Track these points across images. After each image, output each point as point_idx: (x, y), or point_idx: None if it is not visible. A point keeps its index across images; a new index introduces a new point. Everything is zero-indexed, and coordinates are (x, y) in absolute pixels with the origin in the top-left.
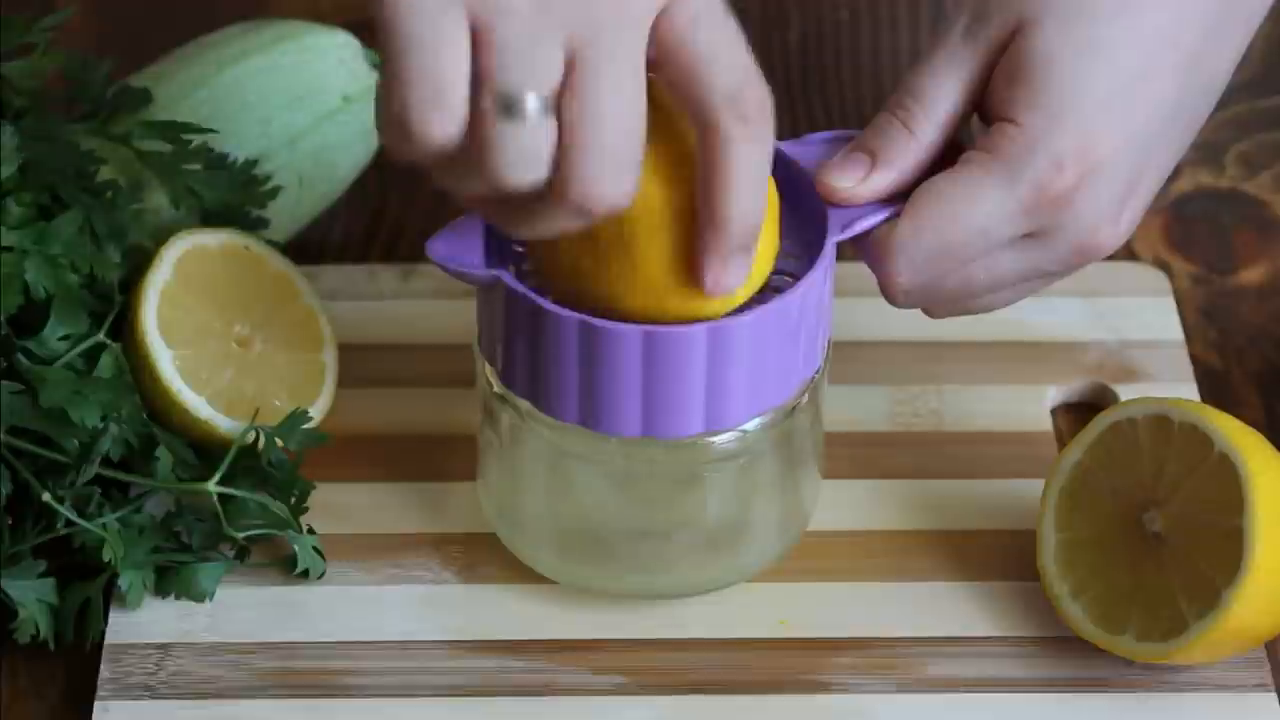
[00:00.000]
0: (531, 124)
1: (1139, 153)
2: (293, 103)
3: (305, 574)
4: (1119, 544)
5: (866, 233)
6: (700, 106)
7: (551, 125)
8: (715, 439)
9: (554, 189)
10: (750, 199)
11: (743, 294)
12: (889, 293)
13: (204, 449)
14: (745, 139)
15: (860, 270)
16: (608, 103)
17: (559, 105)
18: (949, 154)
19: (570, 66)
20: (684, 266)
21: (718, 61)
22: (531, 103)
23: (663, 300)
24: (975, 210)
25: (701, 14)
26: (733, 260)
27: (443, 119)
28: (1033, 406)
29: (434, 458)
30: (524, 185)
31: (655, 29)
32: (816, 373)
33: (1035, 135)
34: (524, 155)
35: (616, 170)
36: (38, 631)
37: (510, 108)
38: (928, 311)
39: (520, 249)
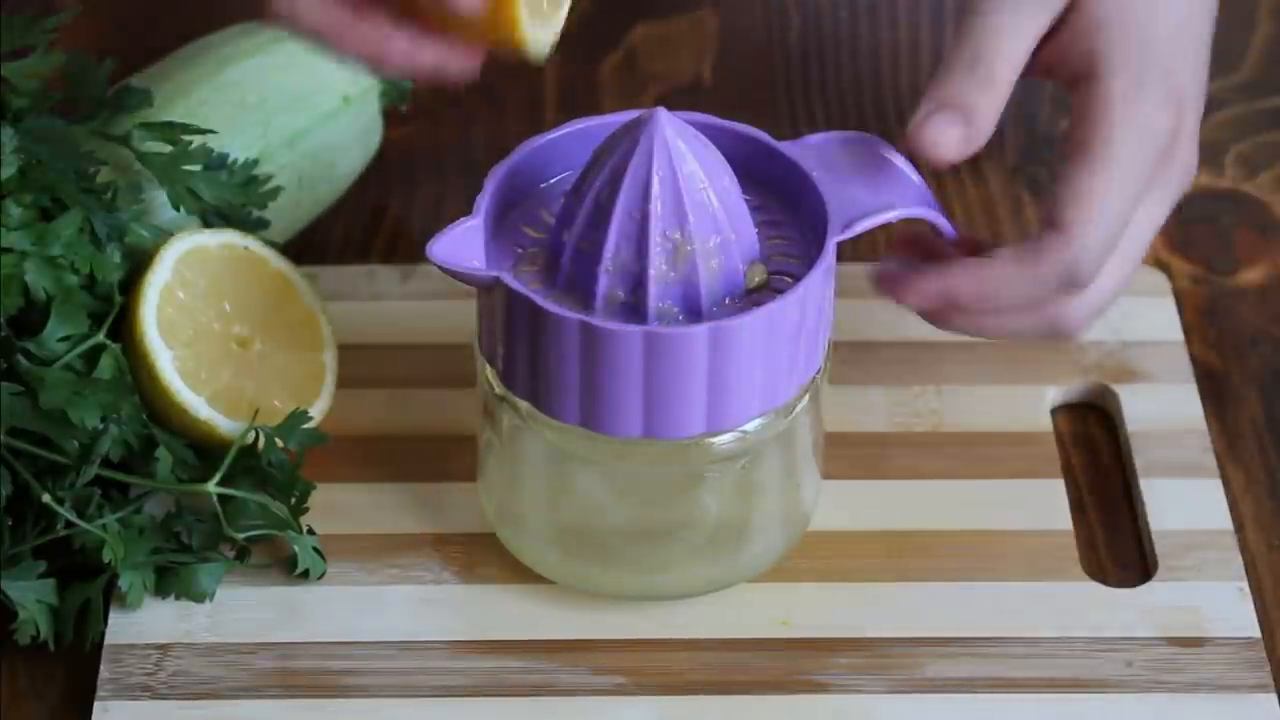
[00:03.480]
0: None
1: (1199, 84)
2: (293, 103)
3: (305, 574)
4: None
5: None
6: None
7: None
8: (716, 440)
9: None
10: None
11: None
12: (1072, 311)
13: (204, 449)
14: None
15: (860, 270)
16: None
17: None
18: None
19: None
20: None
21: None
22: None
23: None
24: (1125, 180)
25: None
26: None
27: None
28: (1033, 407)
29: (434, 458)
30: None
31: None
32: (817, 373)
33: (1136, 86)
34: None
35: None
36: (38, 632)
37: None
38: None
39: (520, 250)
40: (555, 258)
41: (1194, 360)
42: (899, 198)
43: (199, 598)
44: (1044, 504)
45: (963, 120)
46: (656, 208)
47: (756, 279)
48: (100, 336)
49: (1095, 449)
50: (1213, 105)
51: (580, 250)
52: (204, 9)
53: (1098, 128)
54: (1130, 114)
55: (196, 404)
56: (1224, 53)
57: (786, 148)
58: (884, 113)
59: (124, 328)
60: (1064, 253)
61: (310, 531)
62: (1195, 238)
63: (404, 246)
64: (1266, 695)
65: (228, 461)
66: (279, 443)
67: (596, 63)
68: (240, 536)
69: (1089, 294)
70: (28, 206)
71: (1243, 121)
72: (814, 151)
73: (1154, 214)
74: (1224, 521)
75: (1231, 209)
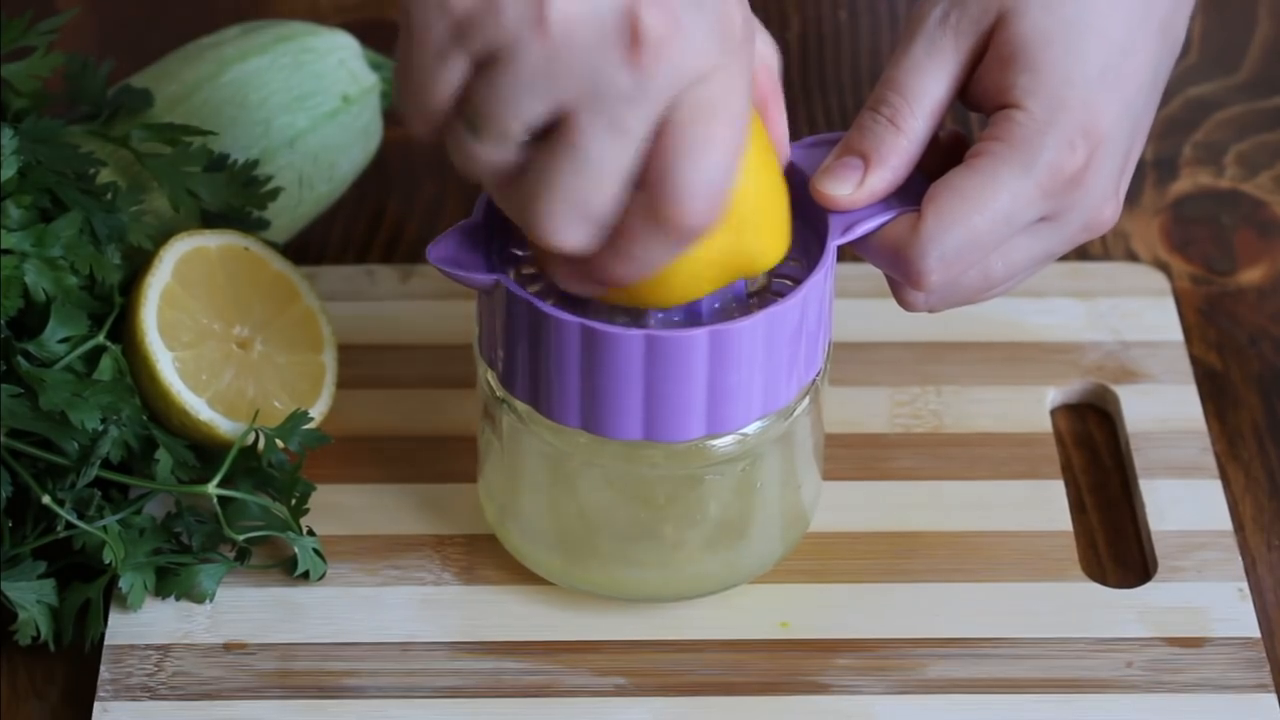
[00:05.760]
0: (495, 147)
1: (1132, 122)
2: (293, 103)
3: (306, 575)
4: None
5: (869, 235)
6: (657, 189)
7: (519, 154)
8: (716, 442)
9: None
10: (627, 276)
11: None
12: (911, 296)
13: (204, 451)
14: (667, 236)
15: (859, 271)
16: (588, 164)
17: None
18: (932, 147)
19: (567, 115)
20: None
21: (703, 165)
22: (490, 132)
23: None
24: (998, 200)
25: (726, 102)
26: (585, 286)
27: (421, 124)
28: (1032, 407)
29: (434, 459)
30: (474, 180)
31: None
32: (817, 375)
33: (1044, 119)
34: (477, 167)
35: (574, 223)
36: (38, 632)
37: (474, 128)
38: (931, 307)
39: (520, 253)
40: None
41: (1194, 360)
42: (900, 199)
43: (199, 598)
44: (1044, 504)
45: (862, 168)
46: None
47: (757, 282)
48: (100, 338)
49: (1095, 449)
50: (1213, 105)
51: None
52: (204, 9)
53: (993, 146)
54: (1030, 143)
55: (197, 405)
56: (1224, 53)
57: None
58: None
59: (124, 329)
60: (909, 239)
61: (310, 532)
62: (1195, 238)
63: (404, 246)
64: (1266, 695)
65: (228, 462)
66: (279, 444)
67: None
68: (240, 537)
69: (932, 291)
70: (28, 208)
71: (1243, 121)
72: (814, 152)
73: (1038, 245)
74: (1224, 521)
75: (1231, 209)
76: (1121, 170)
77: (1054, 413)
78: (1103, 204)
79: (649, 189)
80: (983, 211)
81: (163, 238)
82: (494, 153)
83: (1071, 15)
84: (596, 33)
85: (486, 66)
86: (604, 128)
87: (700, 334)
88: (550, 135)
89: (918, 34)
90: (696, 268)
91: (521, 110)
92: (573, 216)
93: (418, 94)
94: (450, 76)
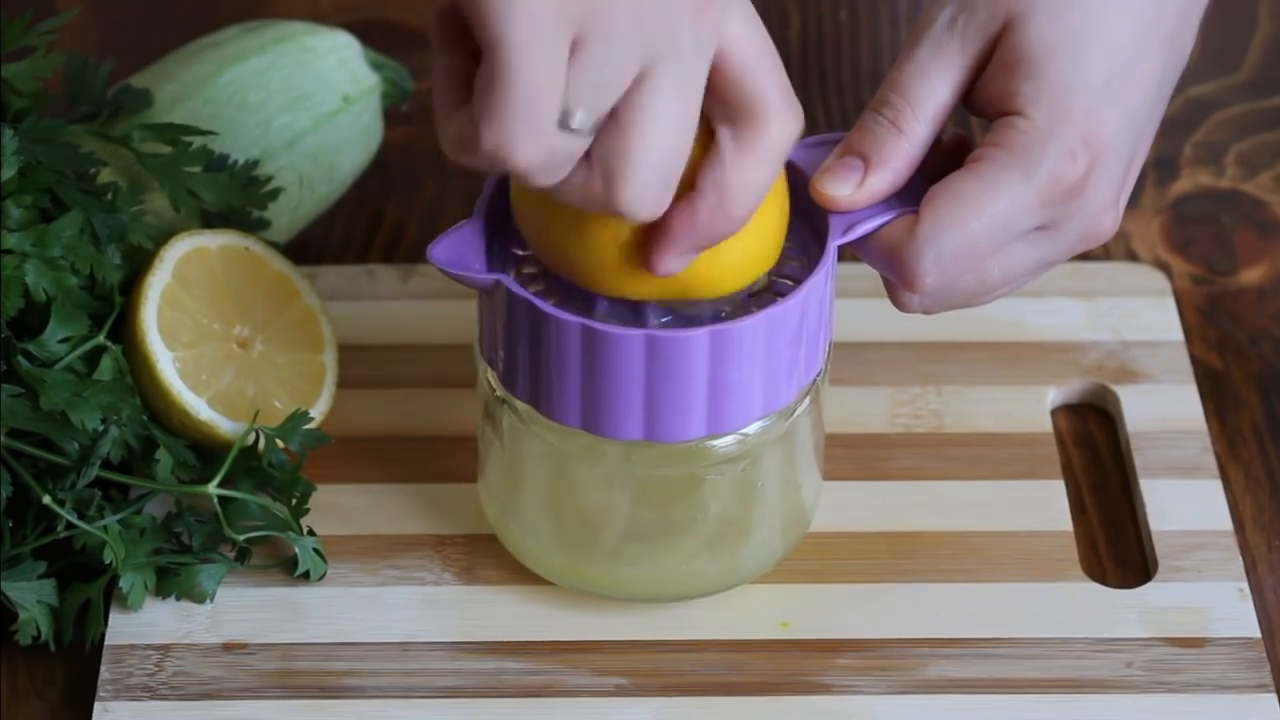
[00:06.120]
0: (573, 138)
1: (1135, 133)
2: (293, 103)
3: (306, 575)
4: None
5: (868, 236)
6: (748, 110)
7: (589, 139)
8: (717, 442)
9: (590, 186)
10: (747, 211)
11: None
12: (905, 297)
13: (205, 451)
14: (773, 149)
15: (859, 271)
16: (664, 122)
17: (615, 114)
18: (934, 150)
19: (638, 81)
20: (641, 242)
21: (772, 74)
22: (579, 119)
23: (624, 281)
24: (996, 206)
25: (753, 20)
26: (689, 256)
27: (535, 140)
28: (1033, 407)
29: (434, 458)
30: (542, 185)
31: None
32: (818, 375)
33: (1046, 127)
34: (553, 161)
35: (662, 189)
36: (39, 632)
37: (563, 123)
38: (926, 309)
39: (520, 253)
40: None
41: (1194, 360)
42: (900, 200)
43: (200, 598)
44: (1044, 504)
45: (863, 169)
46: None
47: (758, 282)
48: (101, 338)
49: (1095, 449)
50: (1213, 105)
51: None
52: (204, 10)
53: (994, 152)
54: (1031, 151)
55: (197, 405)
56: (1224, 53)
57: None
58: None
59: (124, 329)
60: (906, 240)
61: (311, 532)
62: (1195, 238)
63: (404, 246)
64: (1266, 695)
65: (228, 462)
66: (280, 444)
67: None
68: (241, 537)
69: (926, 294)
70: (28, 208)
71: (1243, 121)
72: (814, 152)
73: (1036, 252)
74: (1224, 521)
75: (1231, 209)
76: (1123, 180)
77: (1054, 413)
78: (1102, 214)
79: (740, 116)
80: (980, 217)
81: (163, 238)
82: (569, 142)
83: (1078, 23)
84: None
85: (583, 46)
86: (681, 82)
87: (701, 334)
88: (624, 105)
89: (924, 37)
90: (757, 238)
91: (617, 82)
92: (659, 182)
93: (530, 100)
94: (561, 65)
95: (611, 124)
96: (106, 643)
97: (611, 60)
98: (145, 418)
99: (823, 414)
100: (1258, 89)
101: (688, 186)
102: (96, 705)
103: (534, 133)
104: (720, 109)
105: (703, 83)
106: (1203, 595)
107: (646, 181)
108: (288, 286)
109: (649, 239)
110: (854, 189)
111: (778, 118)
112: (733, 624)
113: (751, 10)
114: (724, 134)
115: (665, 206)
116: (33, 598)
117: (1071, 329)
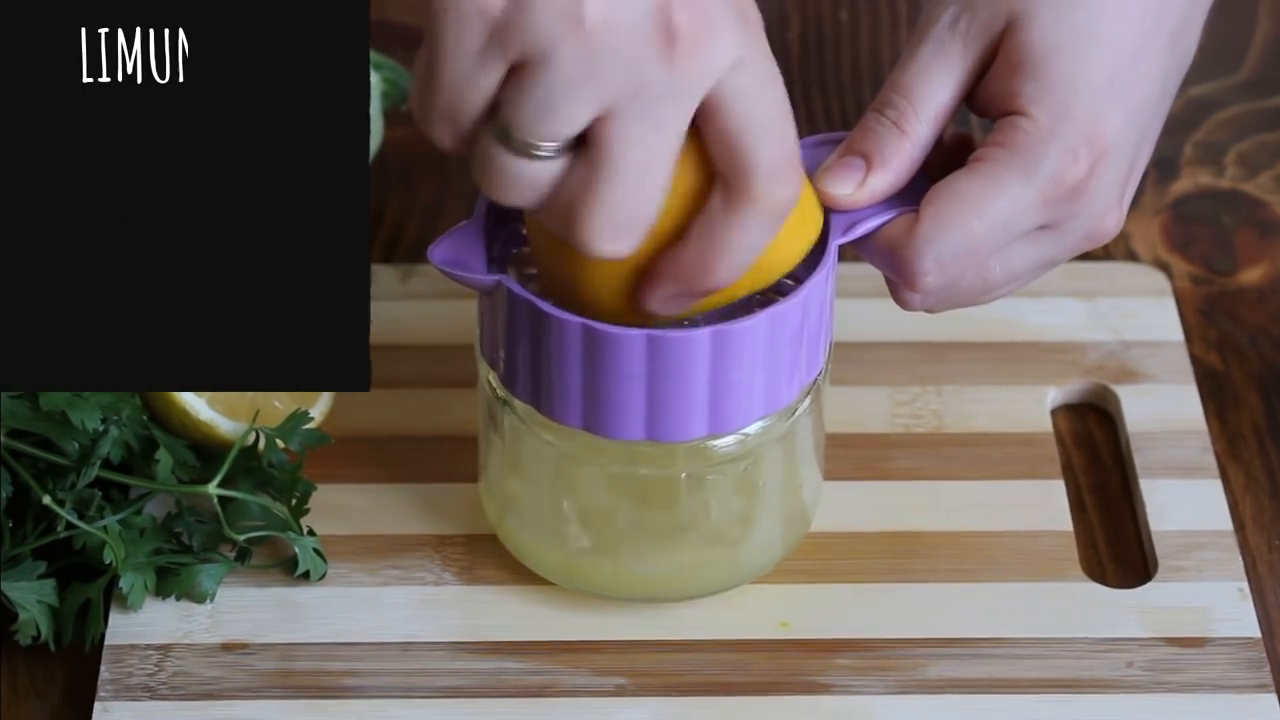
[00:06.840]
0: (530, 162)
1: (1138, 133)
2: None
3: (306, 575)
4: None
5: (869, 235)
6: (736, 173)
7: (557, 166)
8: (717, 442)
9: (559, 216)
10: (732, 271)
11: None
12: (907, 296)
13: (204, 450)
14: (761, 216)
15: (859, 271)
16: (624, 166)
17: (584, 149)
18: (936, 149)
19: (602, 120)
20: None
21: (769, 138)
22: (518, 142)
23: (623, 311)
24: (997, 206)
25: (765, 80)
26: (684, 302)
27: (450, 135)
28: (1033, 407)
29: (434, 459)
30: (509, 205)
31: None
32: (819, 375)
33: (1048, 127)
34: (513, 184)
35: (622, 231)
36: (38, 632)
37: (507, 140)
38: (929, 308)
39: (521, 252)
40: None
41: (1194, 360)
42: (902, 200)
43: (200, 598)
44: (1044, 504)
45: (864, 168)
46: None
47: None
48: None
49: (1095, 449)
50: (1213, 105)
51: None
52: None
53: (996, 152)
54: (1033, 150)
55: (197, 405)
56: (1224, 53)
57: None
58: None
59: None
60: (906, 239)
61: (311, 532)
62: (1195, 238)
63: (404, 246)
64: (1267, 695)
65: (228, 462)
66: (280, 444)
67: None
68: (241, 538)
69: (928, 293)
70: None
71: (1243, 121)
72: (816, 152)
73: (1038, 252)
74: (1224, 521)
75: (1231, 209)
76: (1126, 180)
77: (1054, 413)
78: (1105, 214)
79: (728, 177)
80: (981, 216)
81: None
82: (526, 166)
83: (1081, 23)
84: (633, 33)
85: (522, 72)
86: (646, 127)
87: (702, 334)
88: (587, 143)
89: (926, 37)
90: (781, 246)
91: (561, 115)
92: (619, 223)
93: (448, 104)
94: (485, 84)
95: (578, 158)
96: (106, 643)
97: (554, 88)
98: (145, 418)
99: (824, 414)
100: (1258, 89)
101: (683, 231)
102: (96, 705)
103: (446, 122)
104: (716, 163)
105: (678, 130)
106: (1203, 595)
107: (606, 219)
108: None
109: (642, 278)
110: (855, 188)
111: (768, 184)
112: (733, 624)
113: (771, 69)
114: (717, 189)
115: (631, 248)
116: (33, 598)
117: (1071, 329)
